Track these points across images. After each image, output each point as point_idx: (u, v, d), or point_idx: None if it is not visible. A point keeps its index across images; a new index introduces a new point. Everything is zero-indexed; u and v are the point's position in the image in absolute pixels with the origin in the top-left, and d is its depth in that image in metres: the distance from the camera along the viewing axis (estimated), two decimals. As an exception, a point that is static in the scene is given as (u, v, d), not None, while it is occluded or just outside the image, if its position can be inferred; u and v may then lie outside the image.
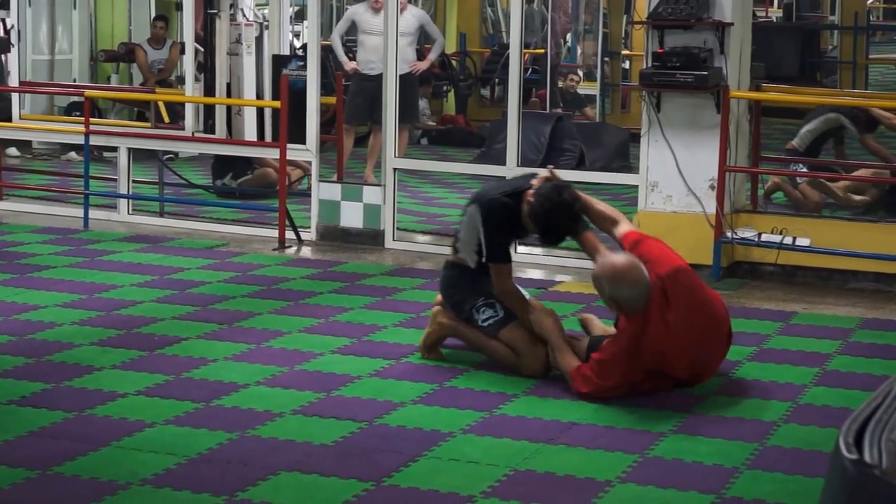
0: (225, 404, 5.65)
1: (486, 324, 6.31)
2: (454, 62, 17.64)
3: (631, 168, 11.67)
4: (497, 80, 17.34)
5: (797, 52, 18.29)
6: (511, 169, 9.15)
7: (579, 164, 12.48)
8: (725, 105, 8.39)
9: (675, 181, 8.63)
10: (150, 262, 8.80)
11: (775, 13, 21.13)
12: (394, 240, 9.64)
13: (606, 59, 16.24)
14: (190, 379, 6.03)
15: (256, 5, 14.18)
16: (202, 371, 6.16)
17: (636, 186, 8.92)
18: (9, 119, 11.74)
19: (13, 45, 11.68)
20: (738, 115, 8.72)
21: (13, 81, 11.87)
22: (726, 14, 8.42)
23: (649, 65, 8.55)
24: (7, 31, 12.88)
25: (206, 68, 12.41)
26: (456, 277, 6.46)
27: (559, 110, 14.69)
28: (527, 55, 14.60)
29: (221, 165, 11.65)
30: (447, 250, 6.82)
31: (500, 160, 9.61)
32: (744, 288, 8.41)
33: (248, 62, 12.45)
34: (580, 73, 16.62)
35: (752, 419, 5.57)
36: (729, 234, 8.54)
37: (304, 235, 9.84)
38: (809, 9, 21.80)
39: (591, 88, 15.96)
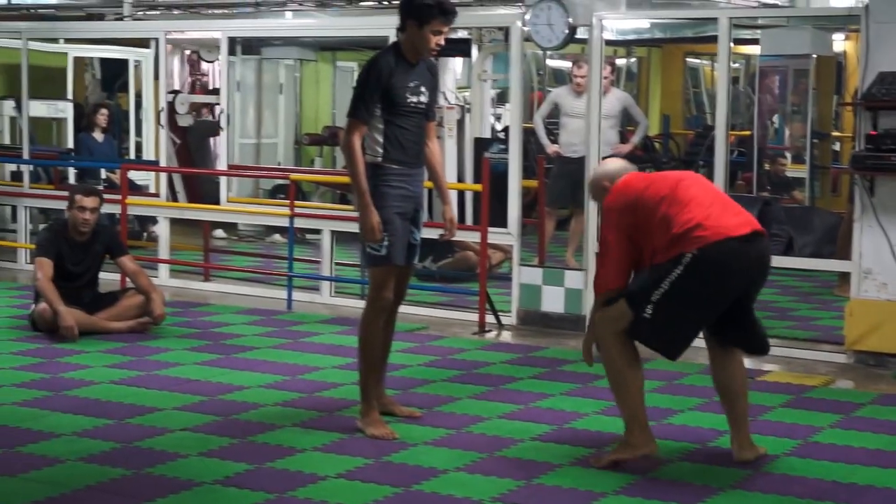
0: (424, 489, 5.58)
1: (367, 251, 6.68)
2: (657, 144, 17.50)
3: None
4: (702, 162, 17.11)
5: None
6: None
7: (788, 250, 12.19)
8: (943, 189, 8.10)
9: (890, 268, 8.34)
10: (352, 345, 8.79)
11: None
12: (596, 324, 9.50)
13: (815, 140, 15.92)
14: (390, 463, 5.99)
15: (458, 88, 14.29)
16: (402, 455, 6.11)
17: (848, 273, 8.66)
18: (217, 202, 11.99)
19: (222, 130, 11.94)
20: (956, 199, 8.41)
21: (221, 165, 12.13)
22: (943, 95, 8.15)
23: (862, 147, 8.31)
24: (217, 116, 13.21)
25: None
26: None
27: (766, 194, 14.41)
28: (732, 137, 14.38)
29: (422, 248, 11.67)
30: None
31: (706, 244, 9.40)
32: (963, 380, 8.06)
33: (450, 145, 12.52)
34: (788, 155, 16.31)
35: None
36: (948, 324, 8.21)
37: (504, 320, 9.78)
38: None
39: (799, 171, 15.64)
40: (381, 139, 6.52)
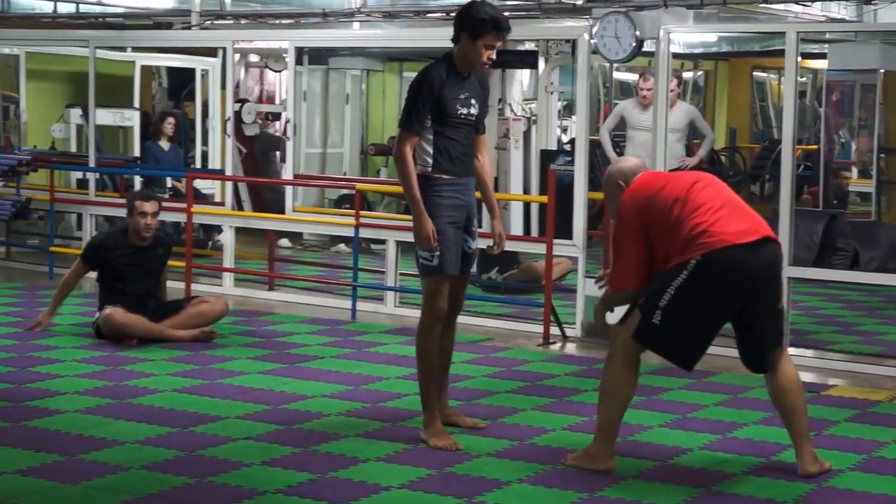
0: (487, 501, 5.58)
1: (420, 261, 6.62)
2: (723, 158, 17.41)
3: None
4: (767, 176, 17.03)
5: None
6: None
7: (854, 265, 12.10)
8: None
9: (957, 283, 8.26)
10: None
11: None
12: (660, 338, 9.45)
13: (882, 155, 15.79)
14: (453, 474, 5.98)
15: (524, 100, 14.28)
16: (465, 466, 6.10)
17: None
18: (282, 211, 12.03)
19: (287, 139, 11.98)
20: None
21: (287, 174, 12.16)
22: None
23: (931, 162, 8.23)
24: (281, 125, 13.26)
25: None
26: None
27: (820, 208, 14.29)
28: (799, 151, 14.28)
29: (487, 259, 11.67)
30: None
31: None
32: None
33: (516, 157, 12.52)
34: (854, 169, 16.19)
35: None
36: None
37: (569, 332, 9.75)
38: None
39: (866, 186, 15.52)
40: (430, 150, 6.55)
